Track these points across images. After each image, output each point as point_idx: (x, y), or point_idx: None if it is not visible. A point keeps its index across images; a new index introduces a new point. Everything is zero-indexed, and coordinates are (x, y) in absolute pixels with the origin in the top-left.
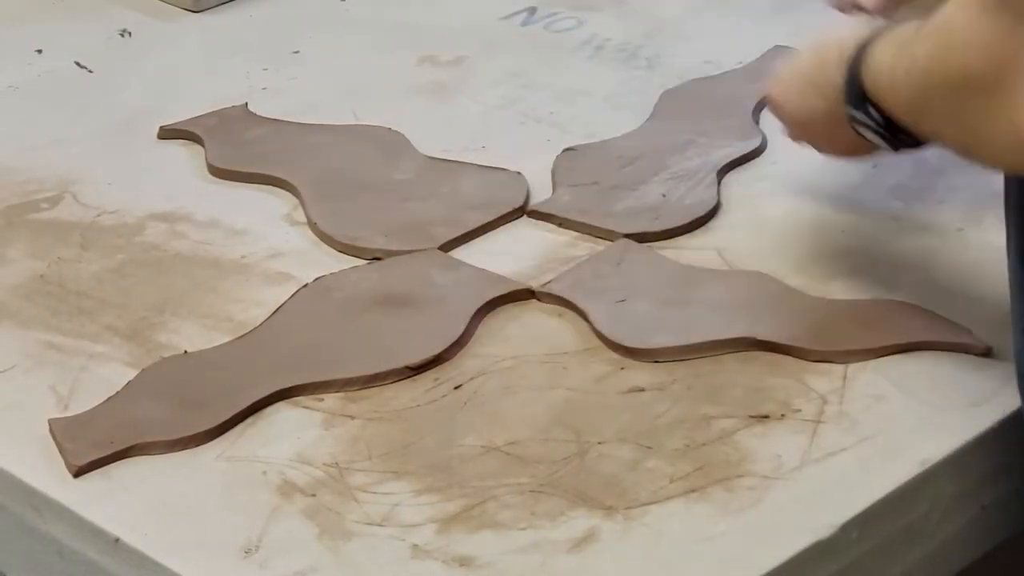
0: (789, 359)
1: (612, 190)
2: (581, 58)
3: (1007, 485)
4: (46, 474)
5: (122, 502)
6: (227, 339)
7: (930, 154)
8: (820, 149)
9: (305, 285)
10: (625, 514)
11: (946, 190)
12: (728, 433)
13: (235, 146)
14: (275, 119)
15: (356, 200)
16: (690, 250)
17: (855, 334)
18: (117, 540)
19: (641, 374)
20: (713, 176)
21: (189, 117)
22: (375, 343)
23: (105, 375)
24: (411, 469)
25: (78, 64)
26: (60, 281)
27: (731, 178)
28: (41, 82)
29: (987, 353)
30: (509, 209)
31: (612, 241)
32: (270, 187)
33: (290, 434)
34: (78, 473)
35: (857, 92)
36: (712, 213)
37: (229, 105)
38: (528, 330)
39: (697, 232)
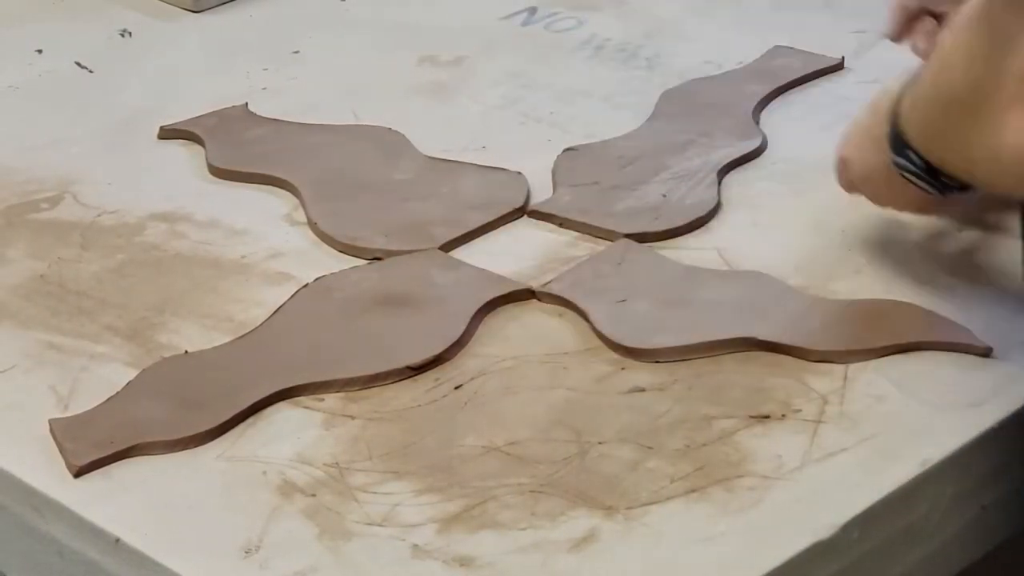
0: (789, 359)
1: (612, 190)
2: (581, 58)
3: (1007, 485)
4: (46, 474)
5: (122, 502)
6: (227, 339)
7: None
8: (890, 206)
9: (305, 285)
10: (625, 514)
11: None
12: (728, 433)
13: (235, 146)
14: (275, 119)
15: (356, 200)
16: (690, 250)
17: (855, 334)
18: (117, 540)
19: (641, 374)
20: (713, 176)
21: (189, 117)
22: (375, 343)
23: (105, 375)
24: (411, 469)
25: (78, 64)
26: (60, 281)
27: (731, 178)
28: (41, 82)
29: (987, 353)
30: (509, 209)
31: (612, 241)
32: (270, 187)
33: (290, 434)
34: (78, 473)
35: (899, 138)
36: (712, 213)
37: (229, 105)
38: (528, 330)
39: (697, 232)
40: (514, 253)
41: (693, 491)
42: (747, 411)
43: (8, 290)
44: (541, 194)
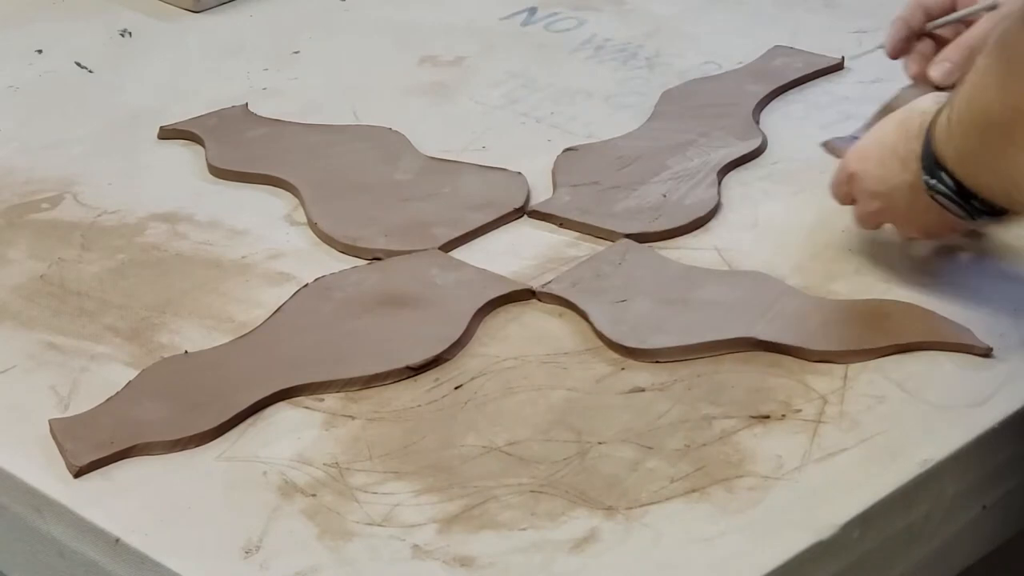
0: (789, 359)
1: (612, 190)
2: (581, 58)
3: (1007, 485)
4: (47, 474)
5: (122, 502)
6: (228, 339)
7: None
8: (898, 226)
9: (305, 285)
10: (626, 514)
11: None
12: (728, 433)
13: (235, 146)
14: (275, 119)
15: (356, 200)
16: (690, 250)
17: (855, 334)
18: (117, 540)
19: (641, 374)
20: (713, 176)
21: (189, 117)
22: (375, 343)
23: (106, 375)
24: (412, 469)
25: (78, 64)
26: (61, 281)
27: (731, 178)
28: (41, 82)
29: (987, 353)
30: (509, 209)
31: (612, 241)
32: (270, 187)
33: (290, 434)
34: (78, 473)
35: (931, 158)
36: (712, 213)
37: (229, 105)
38: (528, 330)
39: (697, 232)
40: (514, 253)
41: (693, 491)
42: (747, 411)
43: (9, 290)
44: (541, 194)
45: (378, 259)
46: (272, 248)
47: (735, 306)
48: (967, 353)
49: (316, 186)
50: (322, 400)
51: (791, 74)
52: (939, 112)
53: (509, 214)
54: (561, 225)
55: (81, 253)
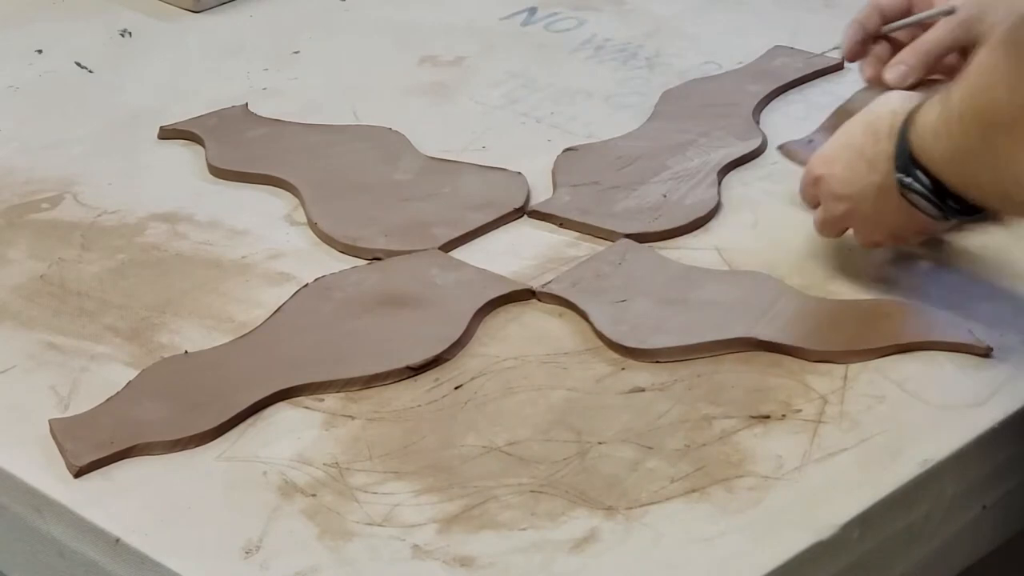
0: (789, 359)
1: (612, 190)
2: (581, 58)
3: (1007, 485)
4: (47, 474)
5: (122, 502)
6: (228, 339)
7: None
8: (863, 230)
9: (305, 285)
10: (626, 514)
11: None
12: (728, 433)
13: (235, 146)
14: (275, 119)
15: (356, 200)
16: (690, 250)
17: (855, 334)
18: (117, 540)
19: (641, 374)
20: (713, 176)
21: (189, 117)
22: (375, 343)
23: (106, 375)
24: (412, 469)
25: (78, 64)
26: (61, 281)
27: (731, 178)
28: (41, 82)
29: (987, 353)
30: (509, 209)
31: (612, 241)
32: (270, 187)
33: (290, 434)
34: (78, 473)
35: (907, 157)
36: (712, 213)
37: (229, 105)
38: (528, 330)
39: (697, 232)
40: (514, 253)
41: (693, 491)
42: (747, 411)
43: (9, 290)
44: (541, 194)
45: (378, 259)
46: (272, 248)
47: (735, 306)
48: (967, 353)
49: (316, 186)
50: (322, 400)
51: (791, 74)
52: (917, 110)
53: (509, 214)
54: (561, 225)
55: (81, 253)
